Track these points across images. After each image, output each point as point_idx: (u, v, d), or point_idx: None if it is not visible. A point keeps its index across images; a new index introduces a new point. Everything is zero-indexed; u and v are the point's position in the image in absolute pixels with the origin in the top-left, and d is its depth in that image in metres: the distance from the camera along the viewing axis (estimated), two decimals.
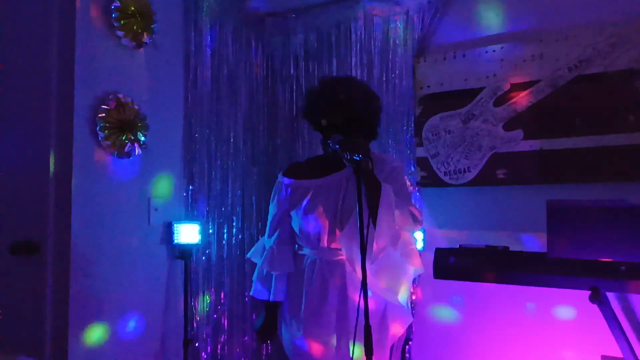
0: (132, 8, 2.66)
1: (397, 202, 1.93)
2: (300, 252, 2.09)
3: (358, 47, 3.15)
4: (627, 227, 2.19)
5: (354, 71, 3.12)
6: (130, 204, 2.75)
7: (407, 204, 2.01)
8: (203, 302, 3.07)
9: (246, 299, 3.23)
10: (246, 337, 3.26)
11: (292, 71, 3.40)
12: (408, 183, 2.31)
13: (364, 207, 1.73)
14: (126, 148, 2.67)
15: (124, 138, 2.64)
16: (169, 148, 2.98)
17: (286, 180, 2.11)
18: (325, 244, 2.01)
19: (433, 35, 3.02)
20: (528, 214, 2.66)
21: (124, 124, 2.64)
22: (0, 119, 2.75)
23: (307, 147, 3.30)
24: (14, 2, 2.74)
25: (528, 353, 2.71)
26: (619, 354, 2.30)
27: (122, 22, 2.65)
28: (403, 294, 1.98)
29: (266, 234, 2.18)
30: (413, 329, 2.92)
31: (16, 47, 2.71)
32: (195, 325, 3.02)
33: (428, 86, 2.97)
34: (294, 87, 3.39)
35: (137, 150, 2.73)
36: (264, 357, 3.33)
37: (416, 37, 3.00)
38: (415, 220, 2.01)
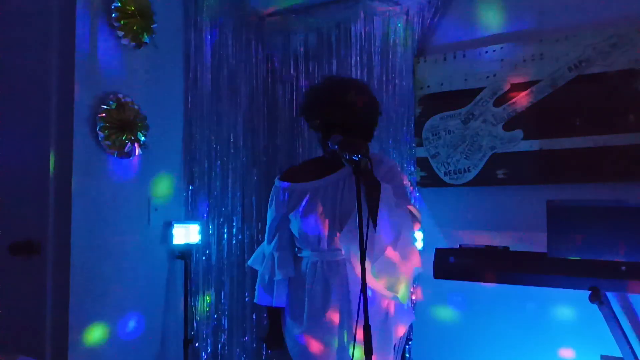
0: (132, 8, 2.66)
1: (396, 201, 1.93)
2: (300, 255, 2.09)
3: (358, 47, 3.15)
4: (627, 227, 2.19)
5: (354, 71, 3.13)
6: (130, 204, 2.75)
7: (406, 203, 2.01)
8: (203, 302, 3.07)
9: (246, 299, 3.23)
10: (246, 337, 3.26)
11: (292, 71, 3.40)
12: (406, 182, 2.30)
13: (363, 206, 1.73)
14: (126, 148, 2.67)
15: (124, 138, 2.64)
16: (169, 148, 2.98)
17: (283, 185, 2.11)
18: (326, 246, 2.01)
19: (433, 35, 3.02)
20: (528, 214, 2.66)
21: (124, 124, 2.64)
22: (0, 119, 2.75)
23: (307, 147, 3.30)
24: (14, 2, 2.74)
25: (528, 353, 2.71)
26: (619, 354, 2.30)
27: (122, 22, 2.65)
28: (404, 293, 1.98)
29: (265, 240, 2.17)
30: (413, 329, 2.92)
31: (16, 47, 2.71)
32: (195, 325, 3.02)
33: (428, 86, 2.97)
34: (294, 87, 3.39)
35: (137, 150, 2.73)
36: (264, 357, 3.33)
37: (416, 37, 3.00)
38: (415, 219, 2.01)
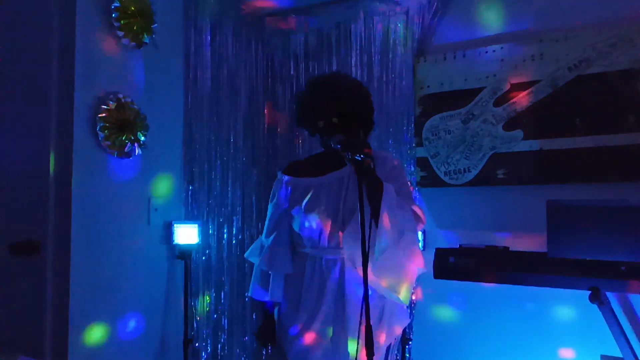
0: (132, 8, 2.66)
1: (400, 201, 1.92)
2: (301, 251, 2.07)
3: (358, 47, 3.15)
4: (627, 227, 2.19)
5: (354, 71, 3.12)
6: (130, 204, 2.75)
7: (409, 203, 2.01)
8: (203, 302, 3.07)
9: (246, 299, 3.23)
10: (246, 337, 3.26)
11: (292, 71, 3.40)
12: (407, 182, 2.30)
13: (365, 206, 1.72)
14: (126, 148, 2.67)
15: (124, 138, 2.64)
16: (169, 148, 2.98)
17: (286, 178, 2.09)
18: (326, 243, 2.00)
19: (433, 35, 3.02)
20: (528, 214, 2.66)
21: (124, 124, 2.64)
22: (0, 119, 2.75)
23: (307, 147, 3.30)
24: (14, 2, 2.74)
25: (528, 353, 2.71)
26: (619, 354, 2.30)
27: (122, 22, 2.65)
28: (405, 294, 1.98)
29: (264, 233, 2.16)
30: (413, 329, 2.92)
31: (16, 47, 2.71)
32: (195, 325, 3.03)
33: (428, 86, 2.97)
34: (294, 87, 3.39)
35: (137, 150, 2.73)
36: (264, 357, 3.33)
37: (416, 37, 3.00)
38: (418, 220, 2.01)
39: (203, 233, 3.02)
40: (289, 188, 2.07)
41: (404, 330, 2.79)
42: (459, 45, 2.92)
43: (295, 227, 2.06)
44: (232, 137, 3.24)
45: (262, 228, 2.21)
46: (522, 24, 2.80)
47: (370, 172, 1.79)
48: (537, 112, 2.68)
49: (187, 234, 2.90)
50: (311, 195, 2.01)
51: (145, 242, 2.82)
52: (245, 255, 2.27)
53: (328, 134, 2.00)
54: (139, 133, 2.71)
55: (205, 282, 3.09)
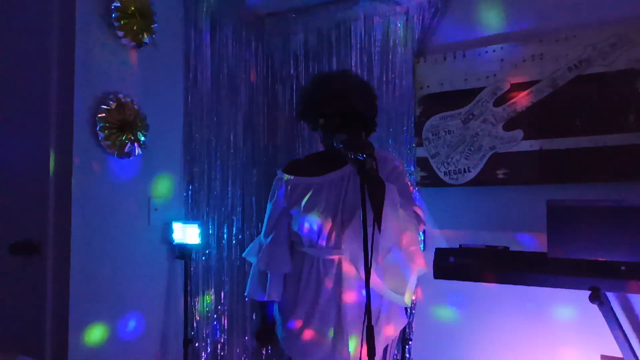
0: (132, 8, 2.66)
1: (401, 202, 1.92)
2: (300, 250, 2.07)
3: (358, 47, 3.15)
4: (627, 227, 2.19)
5: (353, 71, 3.11)
6: (130, 204, 2.75)
7: (410, 204, 2.01)
8: (203, 302, 3.07)
9: (246, 299, 3.23)
10: (246, 337, 3.26)
11: (292, 71, 3.40)
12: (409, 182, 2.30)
13: (367, 207, 1.72)
14: (126, 148, 2.67)
15: (124, 138, 2.64)
16: (169, 148, 2.98)
17: (286, 177, 2.09)
18: (324, 243, 1.99)
19: (433, 35, 3.02)
20: (528, 214, 2.66)
21: (124, 124, 2.64)
22: (0, 119, 2.74)
23: (307, 147, 3.30)
24: (15, 2, 2.73)
25: (528, 353, 2.71)
26: (619, 354, 2.30)
27: (122, 22, 2.64)
28: (407, 295, 1.97)
29: (262, 232, 2.15)
30: (413, 329, 2.92)
31: (16, 47, 2.71)
32: (195, 325, 3.02)
33: (428, 86, 2.97)
34: (294, 87, 3.39)
35: (137, 150, 2.73)
36: (263, 357, 3.33)
37: (416, 37, 3.00)
38: (419, 220, 2.01)
39: (203, 233, 3.02)
40: (289, 187, 2.07)
41: (404, 330, 2.80)
42: (459, 45, 2.92)
43: (294, 227, 2.05)
44: (232, 137, 3.24)
45: (262, 228, 2.20)
46: (522, 24, 2.80)
47: (372, 173, 1.78)
48: (537, 112, 2.68)
49: (187, 234, 2.90)
50: (311, 195, 2.01)
51: (145, 242, 2.82)
52: (244, 254, 2.26)
53: (329, 131, 2.00)
54: (139, 133, 2.71)
55: (205, 282, 3.09)
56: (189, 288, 2.97)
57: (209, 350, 3.08)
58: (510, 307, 2.77)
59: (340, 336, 1.96)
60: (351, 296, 1.96)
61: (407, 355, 2.89)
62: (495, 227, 2.79)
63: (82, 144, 2.53)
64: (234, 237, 3.22)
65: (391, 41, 3.06)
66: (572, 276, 2.25)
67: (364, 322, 1.61)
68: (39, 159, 2.55)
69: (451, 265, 2.53)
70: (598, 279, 2.21)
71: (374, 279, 1.81)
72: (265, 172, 3.39)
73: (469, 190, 2.88)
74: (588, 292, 2.22)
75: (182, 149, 3.05)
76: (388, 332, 2.05)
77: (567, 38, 2.61)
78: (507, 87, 2.75)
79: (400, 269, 1.93)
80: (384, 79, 3.07)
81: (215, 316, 3.12)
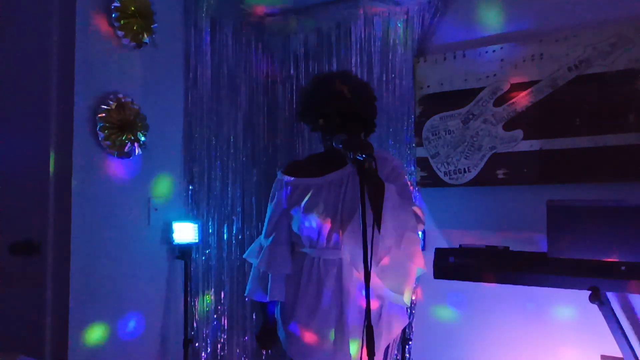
0: (132, 8, 2.67)
1: (401, 202, 1.92)
2: (301, 250, 2.07)
3: (358, 47, 3.15)
4: (627, 227, 2.19)
5: (353, 71, 3.12)
6: (130, 204, 2.75)
7: (410, 204, 2.01)
8: (203, 302, 3.07)
9: (246, 299, 3.23)
10: (246, 337, 3.26)
11: (292, 71, 3.40)
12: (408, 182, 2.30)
13: (367, 207, 1.72)
14: (126, 148, 2.67)
15: (124, 138, 2.64)
16: (169, 148, 2.98)
17: (286, 178, 2.09)
18: (324, 243, 1.99)
19: (433, 35, 3.02)
20: (528, 214, 2.66)
21: (124, 124, 2.64)
22: (0, 119, 2.75)
23: (307, 147, 3.30)
24: (14, 2, 2.74)
25: (528, 353, 2.71)
26: (619, 354, 2.30)
27: (122, 22, 2.65)
28: (407, 295, 1.97)
29: (263, 234, 2.15)
30: (413, 329, 2.92)
31: (16, 48, 2.71)
32: (195, 325, 3.02)
33: (428, 86, 2.97)
34: (294, 87, 3.39)
35: (137, 150, 2.73)
36: (263, 357, 3.33)
37: (416, 37, 3.00)
38: (418, 220, 2.00)
39: (203, 233, 3.02)
40: (289, 188, 2.07)
41: (404, 330, 2.79)
42: (459, 45, 2.92)
43: (295, 228, 2.05)
44: (232, 137, 3.24)
45: (262, 228, 2.20)
46: (522, 24, 2.80)
47: (372, 173, 1.78)
48: (537, 112, 2.68)
49: (187, 234, 2.90)
50: (310, 196, 2.01)
51: (145, 242, 2.82)
52: (244, 255, 2.27)
53: (328, 132, 2.01)
54: (139, 133, 2.71)
55: (205, 282, 3.09)
56: (189, 288, 2.97)
57: (209, 350, 3.08)
58: (510, 307, 2.76)
59: (341, 337, 1.96)
60: (351, 296, 1.96)
61: (407, 355, 2.89)
62: (495, 227, 2.79)
63: (82, 144, 2.54)
64: (233, 237, 3.22)
65: (391, 41, 3.06)
66: (572, 276, 2.25)
67: (364, 322, 1.61)
68: (39, 159, 2.55)
69: (451, 265, 2.53)
70: (598, 279, 2.21)
71: (374, 279, 1.81)
72: (265, 172, 3.38)
73: (469, 190, 2.88)
74: (588, 292, 2.22)
75: (182, 149, 3.05)
76: (389, 332, 2.05)
77: (567, 38, 2.61)
78: (507, 87, 2.75)
79: (400, 269, 1.93)
80: (384, 79, 3.07)
81: (215, 316, 3.12)
